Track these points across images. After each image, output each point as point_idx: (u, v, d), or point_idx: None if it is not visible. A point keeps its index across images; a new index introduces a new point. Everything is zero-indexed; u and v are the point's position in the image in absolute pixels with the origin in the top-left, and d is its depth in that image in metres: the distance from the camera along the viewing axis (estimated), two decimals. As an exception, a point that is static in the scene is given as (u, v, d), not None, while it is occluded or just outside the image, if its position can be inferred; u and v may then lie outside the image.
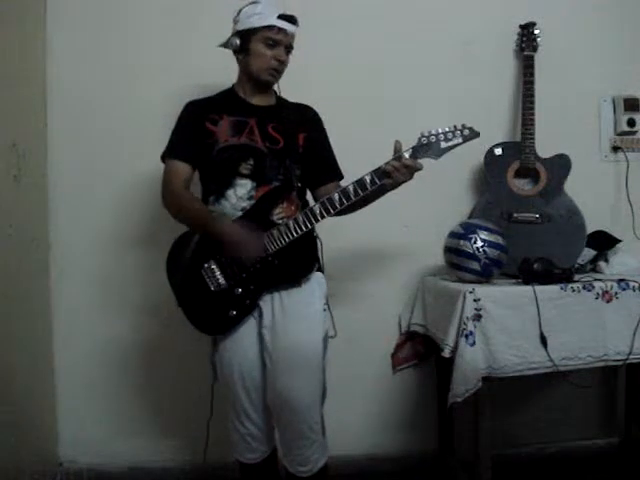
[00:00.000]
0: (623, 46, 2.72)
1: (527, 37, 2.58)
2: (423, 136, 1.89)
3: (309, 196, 2.13)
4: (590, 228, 2.52)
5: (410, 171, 1.88)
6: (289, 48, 2.00)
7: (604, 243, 2.54)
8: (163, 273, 1.98)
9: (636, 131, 2.71)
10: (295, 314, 1.95)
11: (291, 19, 1.97)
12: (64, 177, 2.55)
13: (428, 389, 2.62)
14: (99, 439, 2.56)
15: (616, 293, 2.12)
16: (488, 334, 2.04)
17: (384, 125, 2.46)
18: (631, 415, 2.66)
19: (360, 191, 1.88)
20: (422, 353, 2.63)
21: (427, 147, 1.89)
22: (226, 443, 2.09)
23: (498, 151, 2.53)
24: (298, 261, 1.96)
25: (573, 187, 2.52)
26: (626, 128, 2.69)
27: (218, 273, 1.93)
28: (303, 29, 2.01)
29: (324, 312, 2.01)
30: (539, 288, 2.08)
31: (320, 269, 2.07)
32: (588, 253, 2.52)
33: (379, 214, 2.22)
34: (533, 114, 2.50)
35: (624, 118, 2.68)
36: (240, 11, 1.99)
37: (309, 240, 2.01)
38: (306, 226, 1.91)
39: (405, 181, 1.90)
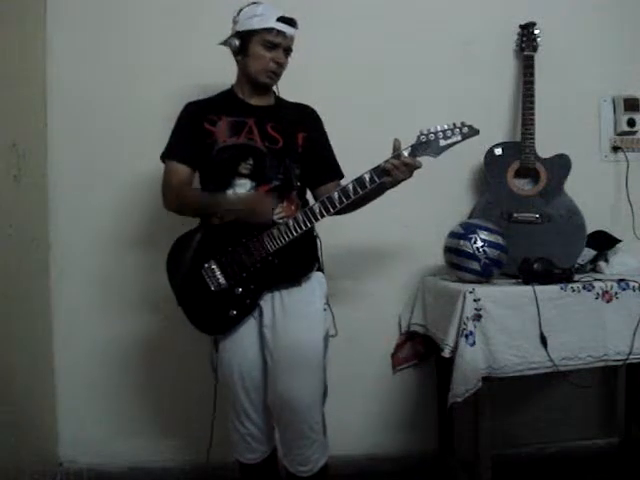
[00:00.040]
0: (623, 46, 2.72)
1: (527, 37, 2.58)
2: (422, 134, 1.89)
3: (309, 195, 2.13)
4: (590, 228, 2.52)
5: (409, 169, 1.88)
6: (288, 51, 2.00)
7: (604, 243, 2.54)
8: (163, 273, 1.98)
9: (636, 131, 2.71)
10: (295, 313, 1.95)
11: (291, 22, 1.97)
12: (64, 177, 2.55)
13: (428, 389, 2.62)
14: (99, 439, 2.56)
15: (616, 293, 2.12)
16: (488, 334, 2.04)
17: (384, 125, 2.45)
18: (631, 415, 2.66)
19: (359, 189, 1.88)
20: (422, 353, 2.63)
21: (426, 145, 1.89)
22: (228, 443, 2.09)
23: (498, 151, 2.53)
24: (298, 260, 1.97)
25: (573, 187, 2.52)
26: (626, 128, 2.69)
27: (218, 273, 1.93)
28: (303, 29, 2.01)
29: (324, 311, 2.01)
30: (539, 288, 2.07)
31: (320, 268, 2.07)
32: (588, 253, 2.52)
33: (379, 214, 2.22)
34: (533, 114, 2.50)
35: (624, 118, 2.68)
36: (240, 11, 1.99)
37: (309, 239, 2.02)
38: (306, 225, 1.91)
39: (404, 179, 1.90)
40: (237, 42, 1.97)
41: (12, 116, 2.22)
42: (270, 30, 1.93)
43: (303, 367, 1.91)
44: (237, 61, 2.04)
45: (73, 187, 2.55)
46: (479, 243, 2.16)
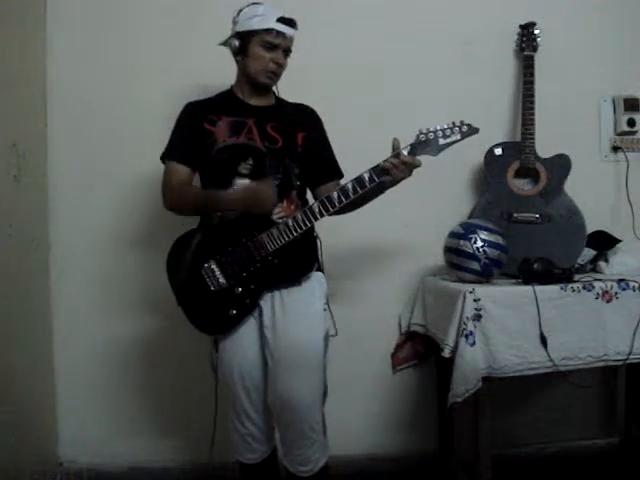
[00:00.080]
0: (623, 46, 2.72)
1: (527, 37, 2.58)
2: (421, 133, 1.89)
3: (309, 195, 2.13)
4: (590, 228, 2.52)
5: (409, 168, 1.88)
6: (288, 51, 2.00)
7: (604, 243, 2.54)
8: (163, 273, 1.98)
9: (636, 131, 2.71)
10: (295, 313, 1.95)
11: (290, 22, 1.97)
12: (64, 177, 2.55)
13: (428, 389, 2.62)
14: (99, 439, 2.56)
15: (616, 293, 2.12)
16: (488, 334, 2.04)
17: (384, 125, 2.45)
18: (631, 415, 2.66)
19: (359, 189, 1.88)
20: (422, 353, 2.63)
21: (425, 144, 1.89)
22: (228, 443, 2.09)
23: (498, 151, 2.53)
24: (298, 260, 1.97)
25: (573, 187, 2.52)
26: (626, 128, 2.69)
27: (218, 273, 1.93)
28: (303, 29, 2.01)
29: (324, 311, 2.01)
30: (539, 288, 2.08)
31: (320, 268, 2.07)
32: (588, 253, 2.52)
33: (379, 214, 2.22)
34: (533, 114, 2.50)
35: (624, 118, 2.68)
36: (240, 12, 1.99)
37: (309, 239, 2.01)
38: (305, 225, 1.91)
39: (404, 178, 1.90)
40: (237, 42, 1.98)
41: (12, 116, 2.23)
42: (270, 31, 1.94)
43: (303, 367, 1.91)
44: (237, 61, 2.04)
45: (73, 187, 2.56)
46: (479, 243, 2.16)
